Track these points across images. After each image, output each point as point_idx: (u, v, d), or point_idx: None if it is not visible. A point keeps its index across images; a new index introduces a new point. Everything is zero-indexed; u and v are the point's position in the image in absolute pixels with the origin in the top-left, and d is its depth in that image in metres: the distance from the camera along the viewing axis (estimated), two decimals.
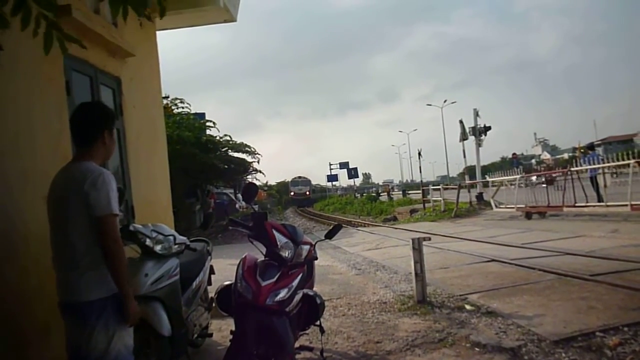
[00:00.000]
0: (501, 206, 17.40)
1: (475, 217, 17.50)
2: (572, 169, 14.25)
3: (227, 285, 3.41)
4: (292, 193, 59.78)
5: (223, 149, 19.84)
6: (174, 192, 6.67)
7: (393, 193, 47.22)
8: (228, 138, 20.21)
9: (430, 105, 70.49)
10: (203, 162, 17.07)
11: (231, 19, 6.79)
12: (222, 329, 4.67)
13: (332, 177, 62.01)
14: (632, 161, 11.67)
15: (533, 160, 72.57)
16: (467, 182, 23.95)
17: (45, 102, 3.69)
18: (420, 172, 36.98)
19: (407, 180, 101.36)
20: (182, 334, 3.43)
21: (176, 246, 3.50)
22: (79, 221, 2.26)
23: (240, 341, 2.90)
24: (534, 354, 3.58)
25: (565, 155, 72.23)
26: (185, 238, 3.73)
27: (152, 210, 5.36)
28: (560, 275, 5.92)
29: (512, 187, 17.09)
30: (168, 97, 17.63)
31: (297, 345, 3.45)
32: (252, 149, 21.43)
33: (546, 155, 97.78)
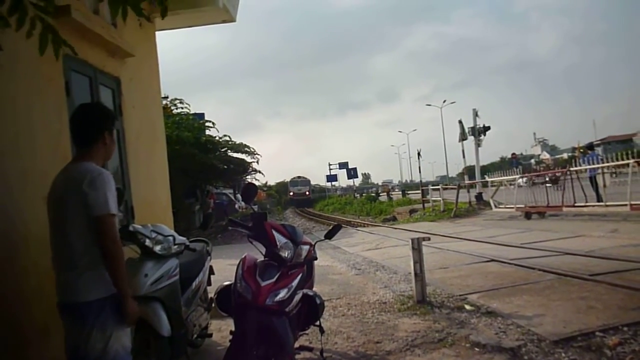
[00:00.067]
0: (500, 206, 17.41)
1: (474, 217, 17.50)
2: (572, 169, 14.26)
3: (226, 286, 3.41)
4: (291, 193, 58.80)
5: (222, 149, 19.84)
6: (174, 192, 6.67)
7: (392, 193, 47.19)
8: (227, 138, 20.25)
9: (429, 105, 70.68)
10: (202, 162, 17.08)
11: (230, 19, 6.80)
12: (222, 329, 4.67)
13: (332, 177, 61.93)
14: (631, 161, 11.69)
15: (532, 160, 72.54)
16: (466, 182, 23.97)
17: (45, 103, 3.69)
18: (420, 172, 37.03)
19: (406, 181, 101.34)
20: (182, 334, 3.43)
21: (176, 246, 3.50)
22: (77, 221, 2.26)
23: (240, 341, 2.90)
24: (533, 354, 3.58)
25: (565, 155, 72.22)
26: (184, 238, 3.73)
27: (151, 210, 5.36)
28: (560, 275, 5.92)
29: (512, 187, 17.12)
30: (167, 97, 17.65)
31: (296, 345, 3.45)
32: (252, 149, 21.49)
33: (545, 155, 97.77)
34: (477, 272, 6.73)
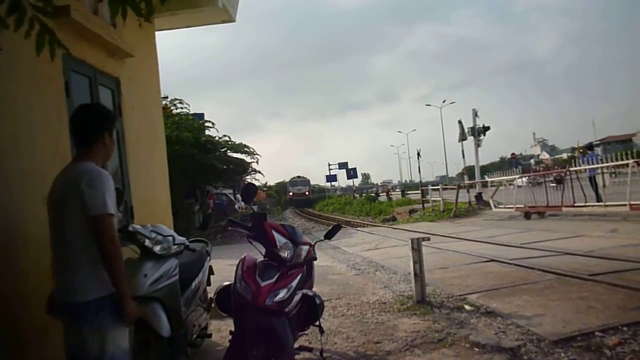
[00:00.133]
0: (500, 206, 17.41)
1: (474, 217, 17.51)
2: (571, 169, 14.27)
3: (226, 286, 3.42)
4: (290, 193, 58.21)
5: (222, 150, 19.84)
6: (173, 192, 6.67)
7: (392, 193, 47.18)
8: (227, 138, 20.25)
9: (429, 105, 70.73)
10: (202, 162, 17.08)
11: (230, 19, 6.79)
12: (222, 330, 4.67)
13: (331, 178, 61.76)
14: (630, 161, 11.69)
15: (532, 161, 72.53)
16: (466, 182, 23.96)
17: (45, 103, 3.70)
18: (420, 172, 36.98)
19: (406, 181, 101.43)
20: (182, 334, 3.43)
21: (175, 247, 3.50)
22: (76, 221, 2.26)
23: (240, 342, 2.90)
24: (533, 354, 3.59)
25: (564, 155, 72.25)
26: (184, 238, 3.73)
27: (151, 210, 5.36)
28: (560, 275, 5.92)
29: (512, 187, 17.13)
30: (167, 97, 17.66)
31: (296, 345, 3.45)
32: (251, 150, 21.48)
33: (545, 155, 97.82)
34: (477, 272, 6.73)
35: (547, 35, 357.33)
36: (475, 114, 23.35)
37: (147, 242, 3.31)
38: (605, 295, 4.88)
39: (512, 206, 16.05)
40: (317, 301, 3.31)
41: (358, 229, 18.66)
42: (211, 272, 4.49)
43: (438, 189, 23.43)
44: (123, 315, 2.29)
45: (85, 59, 4.28)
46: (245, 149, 21.20)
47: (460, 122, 23.90)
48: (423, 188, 27.65)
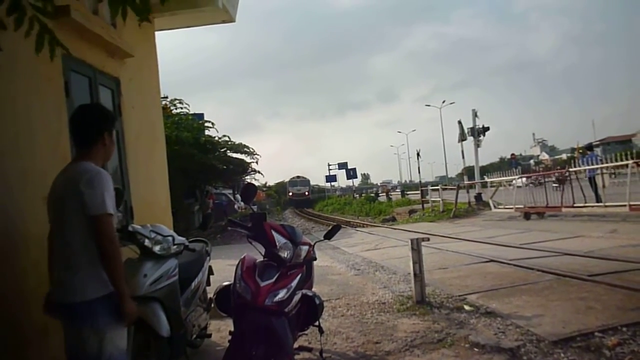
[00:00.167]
0: (500, 206, 17.42)
1: (473, 218, 17.51)
2: (571, 169, 14.27)
3: (226, 286, 3.42)
4: (290, 194, 57.75)
5: (222, 150, 19.83)
6: (173, 192, 6.67)
7: (392, 194, 47.19)
8: (227, 138, 20.24)
9: (429, 105, 70.22)
10: (202, 162, 17.08)
11: (230, 19, 6.79)
12: (221, 330, 4.66)
13: (331, 178, 61.72)
14: (630, 161, 11.70)
15: (532, 161, 72.67)
16: (465, 182, 23.98)
17: (44, 103, 3.70)
18: (419, 172, 36.95)
19: (405, 181, 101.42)
20: (181, 334, 3.43)
21: (175, 247, 3.50)
22: (75, 221, 2.27)
23: (239, 342, 2.90)
24: (532, 354, 3.59)
25: (564, 156, 72.34)
26: (184, 239, 3.72)
27: (151, 210, 5.36)
28: (559, 276, 5.92)
29: (511, 187, 17.12)
30: (167, 97, 17.66)
31: (296, 345, 3.45)
32: (251, 150, 21.47)
33: (545, 156, 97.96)
34: (476, 273, 6.73)
35: (547, 36, 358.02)
36: (475, 115, 23.37)
37: (147, 242, 3.31)
38: (605, 295, 4.88)
39: (511, 206, 16.06)
40: (317, 301, 3.31)
41: (358, 229, 18.67)
42: (211, 272, 4.49)
43: (438, 190, 23.45)
44: (122, 315, 2.29)
45: (85, 59, 4.28)
46: (245, 149, 21.21)
47: (460, 122, 23.92)
48: (423, 188, 27.66)
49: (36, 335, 3.17)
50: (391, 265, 8.12)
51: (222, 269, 5.52)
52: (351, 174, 48.71)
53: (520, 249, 8.48)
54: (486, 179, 19.98)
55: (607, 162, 12.90)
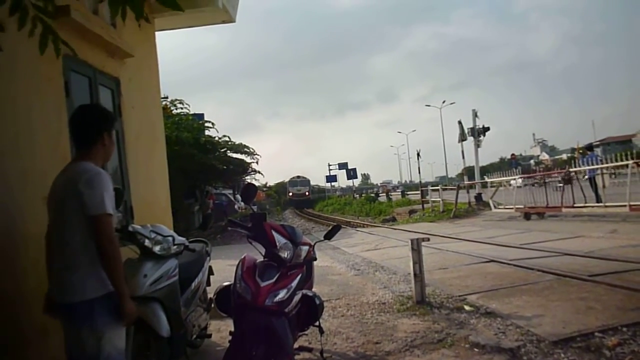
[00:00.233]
0: (500, 207, 17.42)
1: (474, 218, 17.51)
2: (571, 169, 14.27)
3: (226, 286, 3.42)
4: (290, 194, 57.24)
5: (222, 150, 19.82)
6: (173, 192, 6.67)
7: (392, 194, 47.18)
8: (227, 139, 20.22)
9: (429, 106, 70.03)
10: (202, 162, 17.08)
11: (230, 19, 6.80)
12: (221, 330, 4.67)
13: (331, 178, 61.68)
14: (630, 162, 11.70)
15: (532, 161, 72.72)
16: (466, 182, 23.98)
17: (44, 103, 3.69)
18: (419, 172, 36.90)
19: (405, 181, 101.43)
20: (181, 334, 3.43)
21: (175, 247, 3.50)
22: (75, 221, 2.27)
23: (239, 342, 2.90)
24: (532, 354, 3.59)
25: (564, 156, 72.37)
26: (184, 239, 3.72)
27: (151, 210, 5.36)
28: (559, 276, 5.92)
29: (511, 187, 17.12)
30: (167, 97, 17.66)
31: (296, 345, 3.45)
32: (251, 150, 21.44)
33: (545, 156, 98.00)
34: (477, 273, 6.73)
35: (547, 36, 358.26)
36: (475, 115, 23.38)
37: (147, 242, 3.31)
38: (605, 295, 4.88)
39: (511, 207, 16.06)
40: (317, 301, 3.31)
41: (358, 229, 18.66)
42: (211, 272, 4.49)
43: (438, 190, 23.46)
44: (122, 315, 2.29)
45: (85, 59, 4.28)
46: (245, 149, 21.19)
47: (460, 122, 23.92)
48: (423, 188, 27.65)
49: (36, 335, 3.16)
50: (391, 265, 8.12)
51: (222, 269, 5.52)
52: (351, 174, 48.69)
53: (520, 249, 8.48)
54: (486, 179, 19.98)
55: (607, 162, 12.90)
